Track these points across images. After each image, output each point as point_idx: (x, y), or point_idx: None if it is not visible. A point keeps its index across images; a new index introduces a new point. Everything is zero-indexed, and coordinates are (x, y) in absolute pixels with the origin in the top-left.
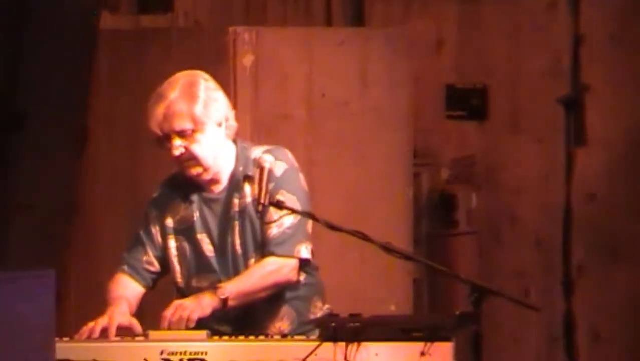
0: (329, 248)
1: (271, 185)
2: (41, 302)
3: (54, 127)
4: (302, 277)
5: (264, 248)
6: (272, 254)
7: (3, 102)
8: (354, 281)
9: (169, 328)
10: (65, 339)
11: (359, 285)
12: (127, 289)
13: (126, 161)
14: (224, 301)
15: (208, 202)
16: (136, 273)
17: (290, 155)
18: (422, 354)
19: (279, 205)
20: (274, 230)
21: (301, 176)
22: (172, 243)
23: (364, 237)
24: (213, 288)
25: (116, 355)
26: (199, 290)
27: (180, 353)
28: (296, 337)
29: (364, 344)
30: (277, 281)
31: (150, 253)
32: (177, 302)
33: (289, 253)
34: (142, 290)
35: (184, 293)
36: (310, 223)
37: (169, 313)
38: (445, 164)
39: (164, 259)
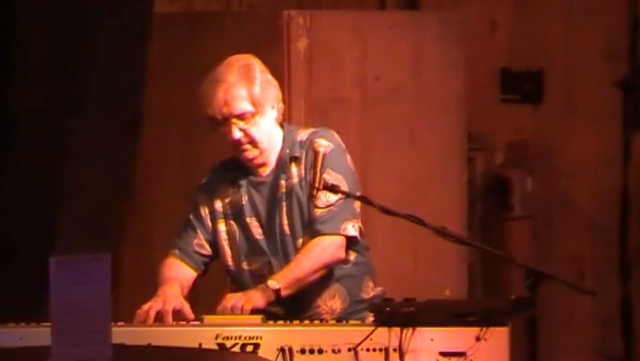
0: (384, 232)
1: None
2: (97, 286)
3: (108, 112)
4: (352, 256)
5: (310, 227)
6: (318, 232)
7: (57, 87)
8: (409, 266)
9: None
10: (120, 323)
11: (413, 270)
12: (179, 272)
13: (180, 145)
14: (277, 292)
15: (256, 185)
16: (187, 256)
17: (336, 136)
18: (478, 339)
19: (333, 189)
20: (319, 210)
21: (348, 157)
22: (221, 227)
23: (419, 221)
24: (264, 282)
25: (171, 339)
26: (249, 273)
27: (235, 338)
28: (351, 321)
29: (418, 329)
30: (325, 261)
31: (201, 237)
32: (228, 296)
33: (335, 230)
34: (194, 274)
35: (234, 276)
36: (357, 202)
37: (222, 306)
38: (499, 148)
39: (214, 243)
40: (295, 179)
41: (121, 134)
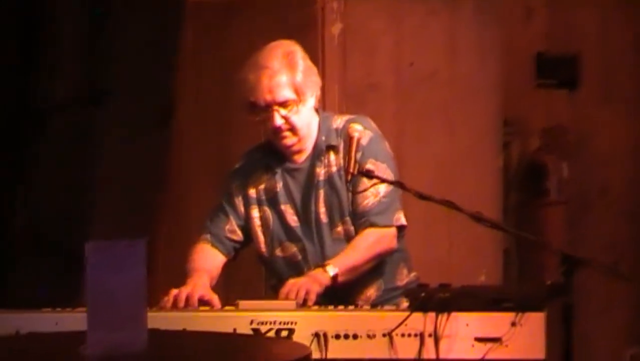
0: (418, 218)
1: (358, 154)
2: (132, 271)
3: (140, 100)
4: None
5: (360, 218)
6: (373, 224)
7: (87, 78)
8: (443, 252)
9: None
10: (154, 309)
11: (448, 256)
12: (209, 259)
13: (213, 132)
14: (334, 278)
15: (291, 172)
16: (219, 242)
17: (372, 122)
18: (513, 324)
19: (369, 174)
20: (370, 200)
21: (386, 143)
22: (255, 213)
23: (454, 207)
24: (299, 269)
25: (206, 324)
26: (283, 260)
27: (270, 323)
28: (386, 307)
29: (454, 314)
30: (380, 251)
31: (234, 222)
32: (292, 281)
33: (390, 222)
34: (224, 259)
35: (268, 262)
36: (399, 190)
37: (285, 291)
38: (535, 134)
39: (247, 229)
40: (334, 168)
41: (153, 124)
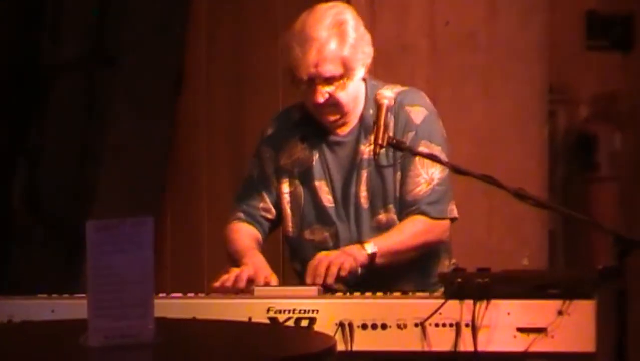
0: (455, 195)
1: (410, 134)
2: (138, 253)
3: (149, 68)
4: None
5: (409, 206)
6: (424, 214)
7: (96, 39)
8: (482, 233)
9: (314, 283)
10: (161, 295)
11: (487, 237)
12: (252, 237)
13: (227, 103)
14: (372, 256)
15: (331, 145)
16: (254, 220)
17: (427, 98)
18: (560, 313)
19: (399, 146)
20: (422, 187)
21: (440, 123)
22: (285, 188)
23: (494, 182)
24: (359, 242)
25: (218, 312)
26: (312, 244)
27: (289, 311)
28: (418, 294)
29: (494, 302)
30: (427, 240)
31: (267, 199)
32: (323, 254)
33: (443, 213)
34: (261, 236)
35: (294, 245)
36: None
37: (314, 265)
38: (585, 101)
39: (279, 206)
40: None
41: (163, 91)
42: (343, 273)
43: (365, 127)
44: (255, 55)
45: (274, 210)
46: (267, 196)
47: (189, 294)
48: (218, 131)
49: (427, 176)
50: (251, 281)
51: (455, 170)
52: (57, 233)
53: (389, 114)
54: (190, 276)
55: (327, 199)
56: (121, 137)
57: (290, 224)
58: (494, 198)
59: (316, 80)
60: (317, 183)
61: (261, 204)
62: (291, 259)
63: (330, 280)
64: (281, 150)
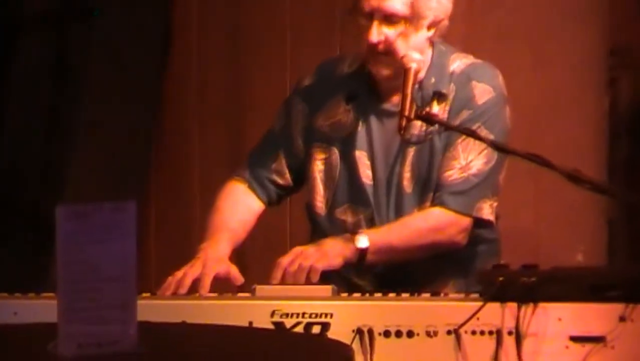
0: None
1: (466, 112)
2: (119, 244)
3: (131, 24)
4: (478, 239)
5: (435, 190)
6: (443, 205)
7: None
8: (528, 223)
9: (284, 281)
10: (145, 295)
11: (534, 228)
12: (239, 209)
13: (222, 68)
14: (362, 252)
15: (380, 114)
16: (258, 184)
17: (500, 77)
18: (622, 319)
19: (430, 120)
20: (455, 172)
21: (507, 110)
22: (318, 155)
23: (543, 162)
24: (353, 232)
25: (213, 316)
26: (343, 226)
27: (297, 315)
28: (451, 295)
29: (542, 305)
30: (436, 241)
31: (283, 160)
32: (297, 249)
33: (466, 209)
34: (261, 207)
35: (322, 226)
36: (502, 174)
37: (286, 260)
38: None
39: (301, 172)
40: (436, 125)
41: (149, 53)
42: (314, 277)
43: (423, 98)
44: (256, 7)
45: (288, 176)
46: (284, 157)
47: (177, 294)
48: (212, 102)
49: (464, 161)
50: (196, 283)
51: (495, 146)
52: (21, 221)
53: (453, 86)
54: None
55: (366, 175)
56: (98, 108)
57: (319, 199)
58: (543, 181)
59: (375, 14)
60: (357, 153)
61: (274, 165)
62: (312, 241)
63: (297, 278)
64: (319, 107)
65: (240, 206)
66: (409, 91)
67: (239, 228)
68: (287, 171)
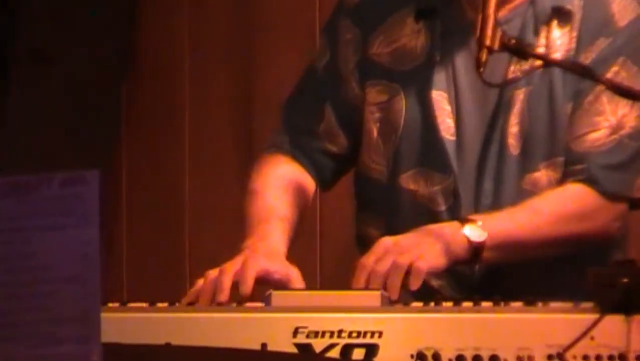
0: None
1: (603, 40)
2: (76, 231)
3: None
4: None
5: (572, 161)
6: (591, 182)
7: None
8: None
9: (368, 286)
10: (113, 305)
11: None
12: (288, 189)
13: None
14: (477, 248)
15: (469, 36)
16: (306, 156)
17: None
18: None
19: (523, 52)
20: (600, 133)
21: None
22: (374, 96)
23: None
24: (460, 218)
25: (209, 335)
26: (409, 199)
27: (331, 334)
28: (552, 305)
29: None
30: (582, 232)
31: (333, 117)
32: (386, 241)
33: (624, 190)
34: (313, 186)
35: (381, 199)
36: None
37: (371, 259)
38: None
39: (355, 127)
40: (557, 54)
41: None
42: (414, 285)
43: (536, 18)
44: None
45: (342, 138)
46: (333, 112)
47: (160, 304)
48: (214, 39)
49: (613, 118)
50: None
51: (616, 89)
52: None
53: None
54: (161, 270)
55: (446, 126)
56: (44, 40)
57: (377, 160)
58: None
59: None
60: (434, 94)
61: (321, 126)
62: (360, 227)
63: (392, 294)
64: (375, 27)
65: (288, 185)
66: (490, 10)
67: (292, 215)
68: (340, 132)
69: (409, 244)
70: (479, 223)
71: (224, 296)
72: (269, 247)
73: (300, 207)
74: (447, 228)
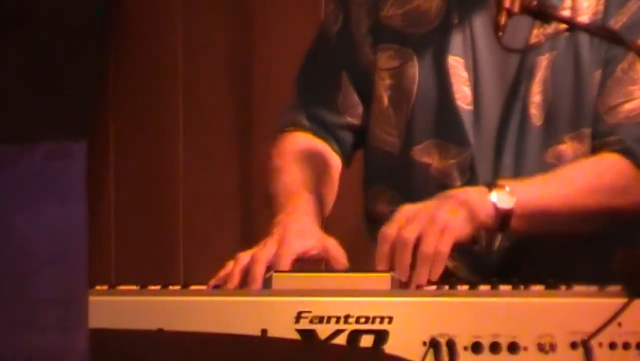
0: None
1: (632, 2)
2: (59, 210)
3: None
4: None
5: (603, 132)
6: (628, 154)
7: None
8: None
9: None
10: (100, 288)
11: None
12: (314, 162)
13: None
14: (505, 215)
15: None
16: (327, 132)
17: None
18: None
19: (546, 15)
20: (636, 104)
21: None
22: (385, 61)
23: None
24: (488, 185)
25: (206, 320)
26: (422, 172)
27: (337, 319)
28: (577, 288)
29: None
30: (614, 205)
31: (351, 86)
32: (407, 207)
33: None
34: (339, 162)
35: (394, 172)
36: None
37: (393, 228)
38: None
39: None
40: (584, 17)
41: None
42: (435, 274)
43: None
44: None
45: (361, 109)
46: (351, 82)
47: (151, 287)
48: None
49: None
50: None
51: None
52: None
53: None
54: (152, 250)
55: (463, 95)
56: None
57: (389, 130)
58: None
59: None
60: (450, 60)
61: (339, 98)
62: (370, 203)
63: (420, 279)
64: None
65: (314, 158)
66: None
67: (323, 188)
68: (358, 102)
69: (431, 211)
70: (507, 188)
71: (256, 284)
72: (300, 222)
73: (331, 180)
74: (473, 192)
